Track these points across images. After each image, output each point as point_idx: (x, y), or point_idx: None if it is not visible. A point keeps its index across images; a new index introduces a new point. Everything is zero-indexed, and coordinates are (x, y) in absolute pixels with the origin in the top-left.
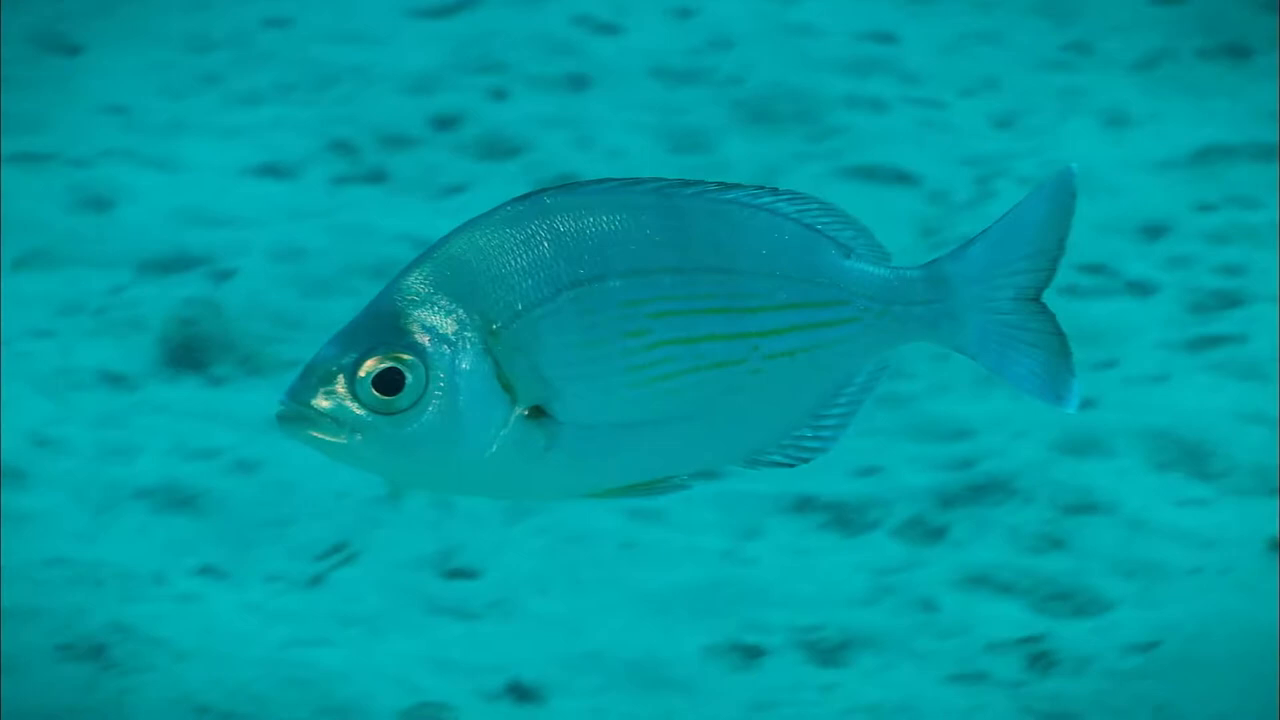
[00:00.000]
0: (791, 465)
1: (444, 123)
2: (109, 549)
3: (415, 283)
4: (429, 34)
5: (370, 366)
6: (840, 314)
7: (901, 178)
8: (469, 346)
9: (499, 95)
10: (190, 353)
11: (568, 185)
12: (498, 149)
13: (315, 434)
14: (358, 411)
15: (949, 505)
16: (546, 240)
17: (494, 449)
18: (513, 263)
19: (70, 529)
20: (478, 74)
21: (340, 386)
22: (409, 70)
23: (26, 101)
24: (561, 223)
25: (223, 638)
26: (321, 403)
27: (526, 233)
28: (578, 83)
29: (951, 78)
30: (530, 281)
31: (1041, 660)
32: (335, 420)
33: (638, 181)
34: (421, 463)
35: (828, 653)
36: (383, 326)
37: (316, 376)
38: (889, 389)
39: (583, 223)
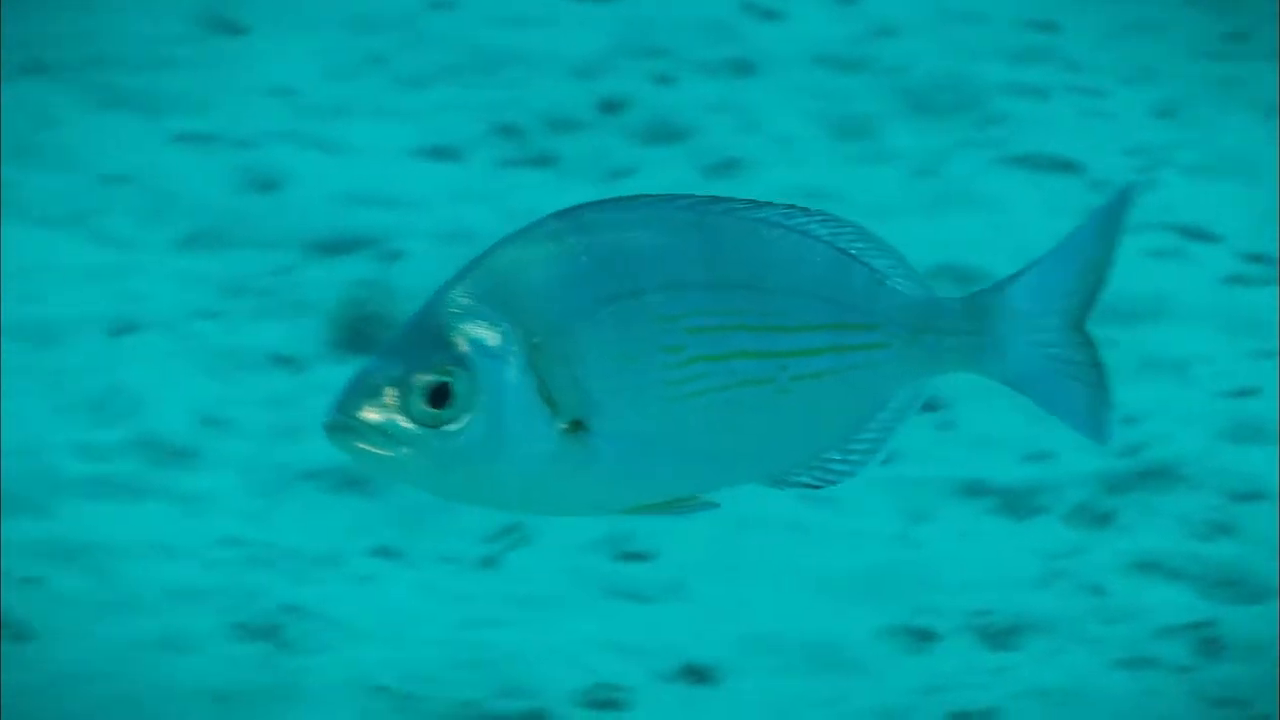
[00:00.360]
0: (818, 487)
1: (610, 107)
2: (281, 530)
3: (459, 296)
4: (593, 18)
5: (420, 380)
6: (869, 339)
7: (1064, 166)
8: (514, 360)
9: (664, 80)
10: (359, 334)
11: (604, 202)
12: (663, 133)
13: (363, 446)
14: (406, 425)
15: (1116, 491)
16: (586, 255)
17: (535, 463)
18: (555, 277)
19: (241, 509)
20: (643, 59)
21: (390, 399)
22: (574, 54)
23: (192, 82)
24: (601, 238)
25: (398, 618)
26: (370, 415)
27: (567, 247)
28: (742, 68)
29: (1112, 67)
30: (572, 295)
31: (1211, 645)
32: (384, 433)
33: (672, 198)
34: (464, 477)
35: (998, 636)
36: (430, 340)
37: (366, 389)
38: None
39: (621, 238)
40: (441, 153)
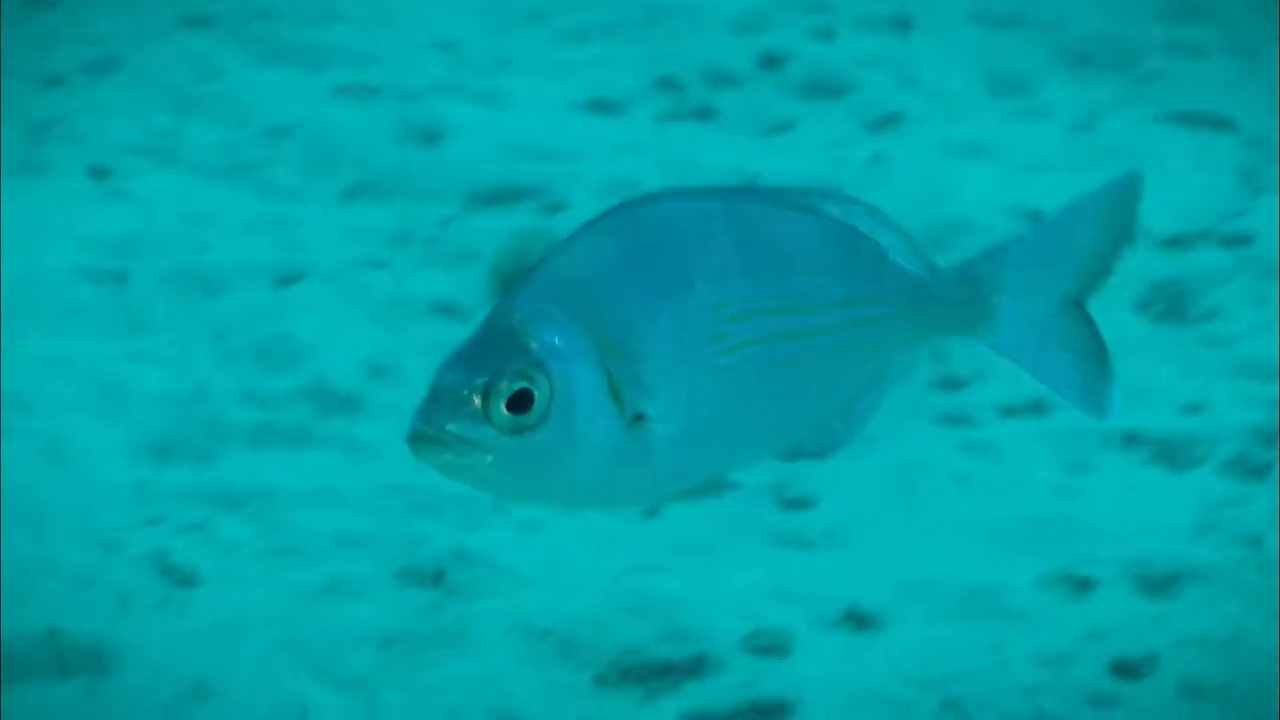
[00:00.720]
0: (820, 457)
1: (770, 61)
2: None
3: (530, 301)
4: None
5: (502, 387)
6: (875, 311)
7: (1219, 124)
8: (585, 360)
9: (824, 35)
10: None
11: (645, 198)
12: (822, 88)
13: (449, 457)
14: (489, 433)
15: (1272, 443)
16: (641, 251)
17: (602, 460)
18: (616, 277)
19: (407, 457)
20: (803, 14)
21: (474, 408)
22: (734, 9)
23: (356, 36)
24: (651, 235)
25: (563, 565)
26: (456, 425)
27: (623, 247)
28: (901, 24)
29: (1268, 25)
30: (632, 293)
31: None
32: (470, 442)
33: (703, 191)
34: (540, 478)
35: (1157, 585)
36: (506, 346)
37: (450, 399)
38: (1211, 329)
39: (668, 233)
40: (602, 106)
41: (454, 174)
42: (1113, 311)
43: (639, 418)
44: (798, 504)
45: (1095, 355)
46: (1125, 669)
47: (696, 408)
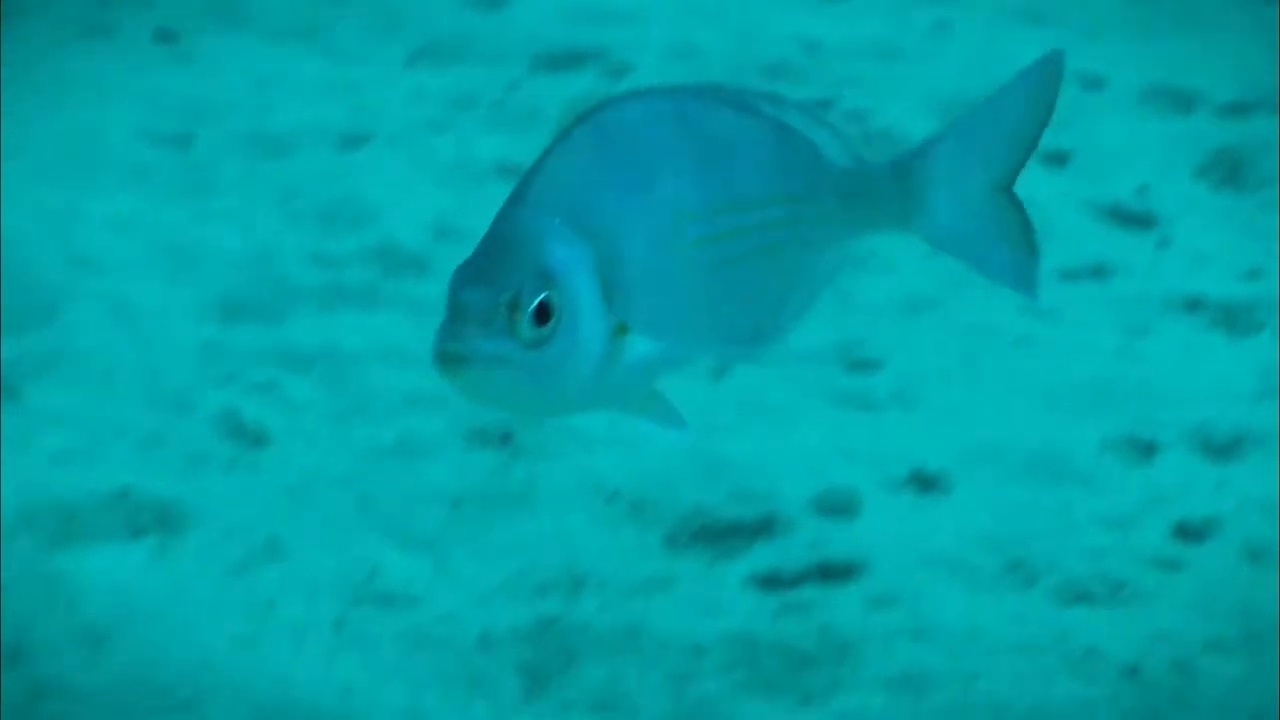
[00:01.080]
0: (753, 355)
1: None
2: None
3: (534, 213)
4: None
5: (527, 301)
6: (813, 207)
7: None
8: (585, 269)
9: None
10: None
11: (612, 101)
12: None
13: (477, 375)
14: (515, 348)
15: None
16: (616, 157)
17: (595, 368)
18: (600, 183)
19: None
20: None
21: (502, 324)
22: None
23: None
24: (625, 139)
25: (631, 425)
26: (486, 343)
27: (601, 152)
28: None
29: None
30: (616, 199)
31: None
32: (498, 359)
33: (661, 93)
34: (548, 392)
35: (1220, 449)
36: (520, 258)
37: (477, 315)
38: (1269, 196)
39: (639, 136)
40: None
41: (518, 37)
42: (1173, 179)
43: (622, 327)
44: (864, 366)
45: (1024, 237)
46: (1188, 532)
47: (661, 309)
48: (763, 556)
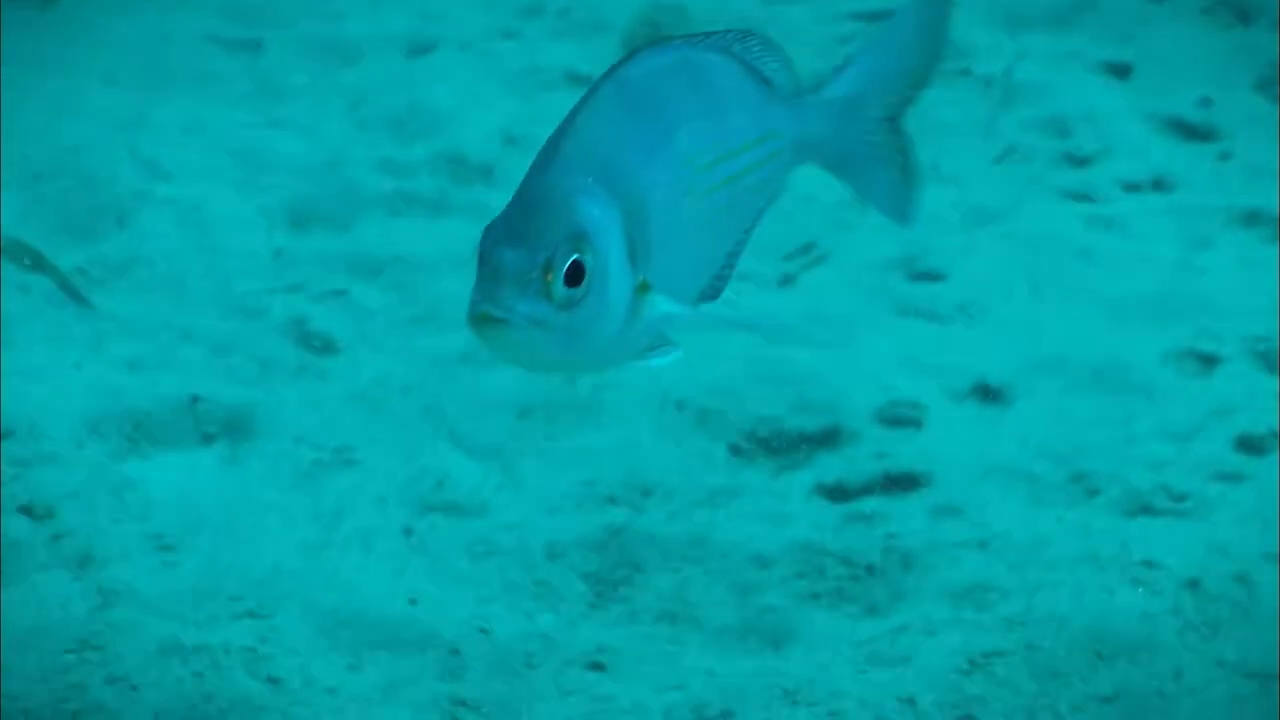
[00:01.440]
0: (715, 297)
1: None
2: None
3: (565, 173)
4: None
5: (561, 263)
6: (774, 147)
7: None
8: (615, 228)
9: None
10: None
11: (631, 57)
12: None
13: (515, 336)
14: (550, 309)
15: None
16: (639, 116)
17: (618, 325)
18: (627, 141)
19: None
20: None
21: (540, 286)
22: None
23: None
24: (644, 98)
25: (697, 334)
26: (525, 305)
27: (629, 115)
28: None
29: None
30: (639, 156)
31: None
32: (535, 320)
33: (673, 45)
34: (579, 350)
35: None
36: (554, 218)
37: (514, 277)
38: None
39: (655, 95)
40: None
41: None
42: (1234, 90)
43: (644, 285)
44: (928, 276)
45: (907, 168)
46: (1249, 444)
47: (678, 263)
48: (828, 467)
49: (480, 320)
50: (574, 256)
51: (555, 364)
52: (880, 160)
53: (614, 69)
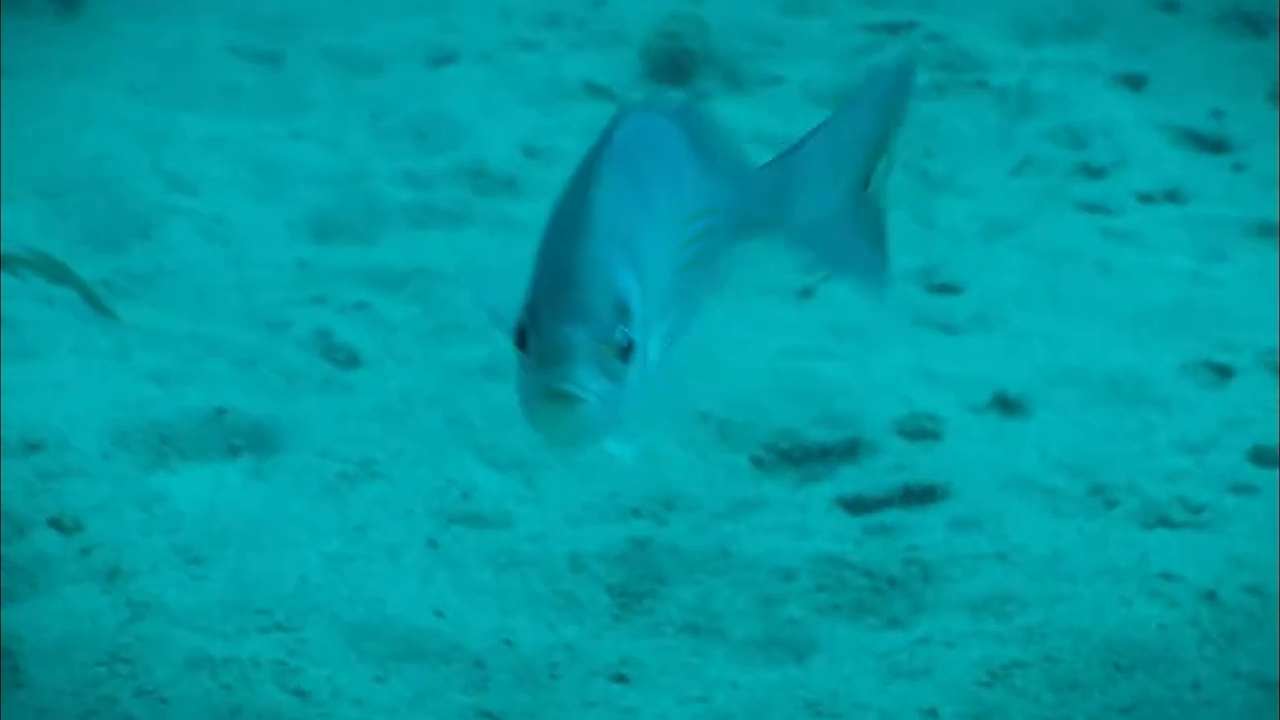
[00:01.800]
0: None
1: None
2: None
3: (601, 247)
4: None
5: (622, 339)
6: (711, 224)
7: None
8: (639, 294)
9: None
10: (673, 66)
11: (621, 119)
12: None
13: (588, 414)
14: (616, 385)
15: None
16: (638, 181)
17: (641, 389)
18: (632, 209)
19: None
20: None
21: (605, 362)
22: None
23: None
24: (639, 162)
25: (721, 347)
26: (596, 382)
27: (626, 179)
28: None
29: None
30: (652, 224)
31: None
32: (605, 398)
33: (650, 105)
34: (618, 420)
35: None
36: (604, 292)
37: (583, 355)
38: None
39: (648, 160)
40: None
41: None
42: (1247, 101)
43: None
44: (945, 289)
45: (879, 238)
46: (1264, 457)
47: (669, 320)
48: (848, 479)
49: (554, 399)
50: (627, 331)
51: (598, 435)
52: (846, 231)
53: (609, 136)
